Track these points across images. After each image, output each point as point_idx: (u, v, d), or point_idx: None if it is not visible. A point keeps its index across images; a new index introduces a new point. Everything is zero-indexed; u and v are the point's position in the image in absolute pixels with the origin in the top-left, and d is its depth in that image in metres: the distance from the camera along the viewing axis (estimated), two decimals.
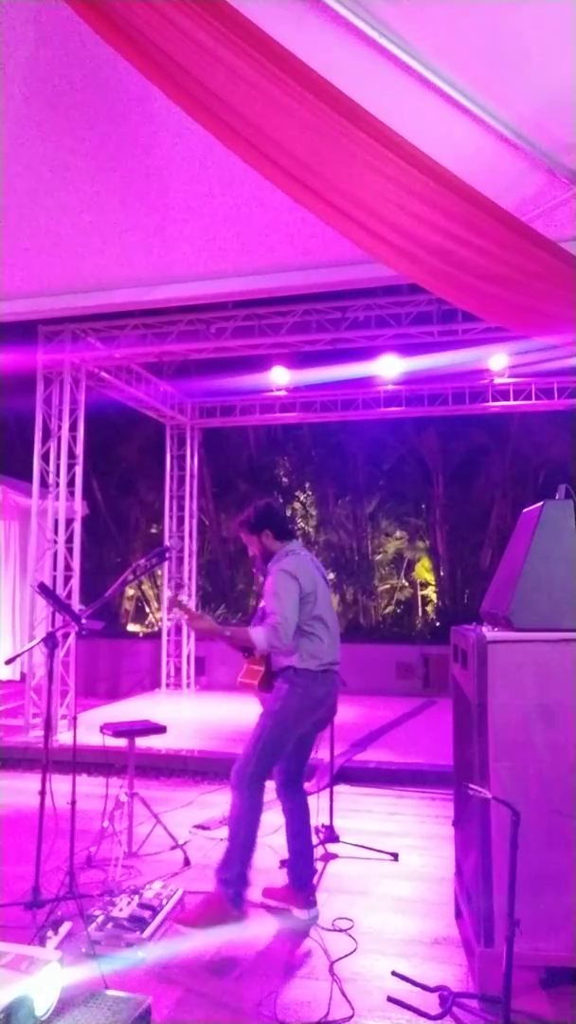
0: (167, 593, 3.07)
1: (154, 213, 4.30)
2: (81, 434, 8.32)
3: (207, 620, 3.68)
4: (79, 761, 4.03)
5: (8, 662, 4.66)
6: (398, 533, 16.79)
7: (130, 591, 15.27)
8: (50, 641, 3.73)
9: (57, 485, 8.06)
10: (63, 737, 7.14)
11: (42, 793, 3.59)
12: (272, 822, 3.79)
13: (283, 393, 9.73)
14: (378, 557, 16.85)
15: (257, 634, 3.42)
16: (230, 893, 3.33)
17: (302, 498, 16.83)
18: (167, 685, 11.10)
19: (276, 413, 10.90)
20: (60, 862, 3.75)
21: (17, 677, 8.55)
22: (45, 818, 3.59)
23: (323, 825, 4.59)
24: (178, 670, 11.19)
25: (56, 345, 8.07)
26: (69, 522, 8.23)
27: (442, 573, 16.11)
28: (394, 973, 2.99)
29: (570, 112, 3.08)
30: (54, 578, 7.91)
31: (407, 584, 16.75)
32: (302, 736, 3.62)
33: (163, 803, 4.56)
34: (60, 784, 3.82)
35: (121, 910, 3.39)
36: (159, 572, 12.07)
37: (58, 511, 8.06)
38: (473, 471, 15.42)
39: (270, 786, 3.55)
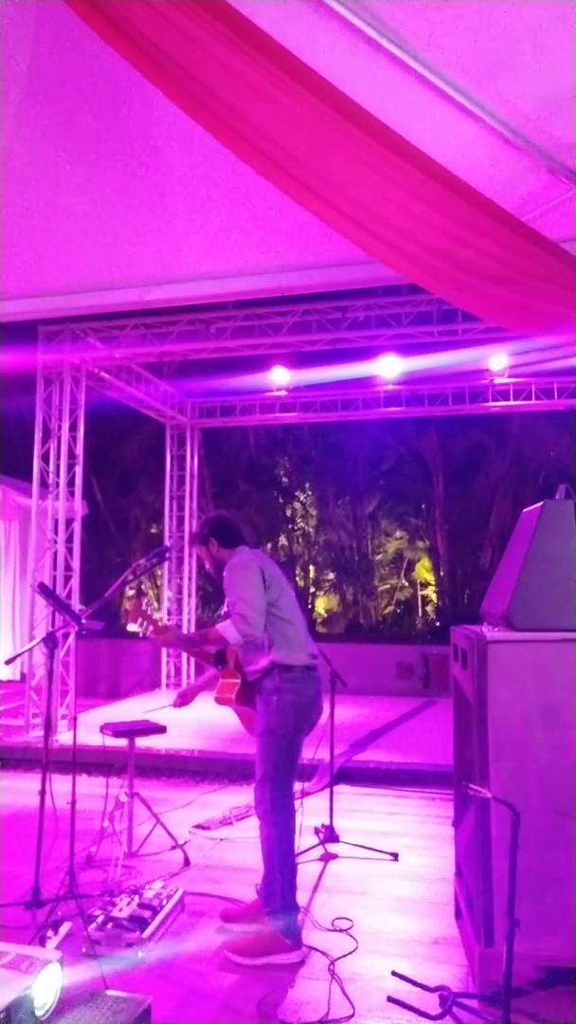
0: (130, 595, 3.05)
1: (154, 213, 4.31)
2: (81, 434, 8.31)
3: (172, 631, 3.55)
4: (79, 761, 4.02)
5: (8, 662, 4.67)
6: (398, 533, 16.83)
7: (130, 591, 15.27)
8: (50, 641, 3.73)
9: (57, 485, 8.06)
10: (63, 737, 7.14)
11: (42, 793, 3.58)
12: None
13: (283, 393, 9.72)
14: (378, 557, 16.88)
15: (226, 628, 3.21)
16: (280, 925, 3.17)
17: (302, 498, 16.85)
18: (167, 685, 11.09)
19: (276, 413, 10.89)
20: (60, 862, 3.75)
21: (17, 677, 8.54)
22: (45, 818, 3.59)
23: (323, 825, 4.59)
24: (178, 670, 11.18)
25: (56, 345, 8.06)
26: (69, 522, 8.23)
27: (442, 573, 16.13)
28: (394, 973, 2.99)
29: (570, 112, 3.08)
30: (54, 578, 7.91)
31: (407, 584, 16.78)
32: None
33: (163, 803, 4.55)
34: (60, 784, 3.81)
35: (121, 910, 3.39)
36: (159, 572, 12.07)
37: (58, 511, 8.06)
38: (473, 471, 15.44)
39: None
